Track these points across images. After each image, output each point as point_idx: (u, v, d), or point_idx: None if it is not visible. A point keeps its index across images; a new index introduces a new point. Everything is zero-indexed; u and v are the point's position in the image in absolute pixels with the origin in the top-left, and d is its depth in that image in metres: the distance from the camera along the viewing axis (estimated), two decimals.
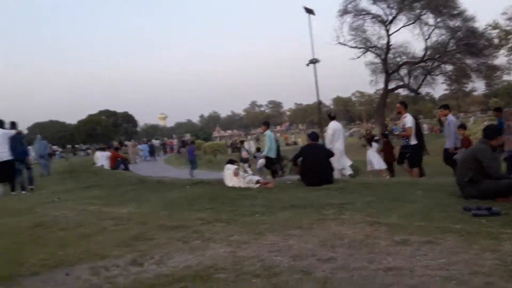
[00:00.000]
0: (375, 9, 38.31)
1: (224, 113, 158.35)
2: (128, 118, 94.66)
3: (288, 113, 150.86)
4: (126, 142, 30.94)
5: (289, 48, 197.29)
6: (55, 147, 38.55)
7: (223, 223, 4.45)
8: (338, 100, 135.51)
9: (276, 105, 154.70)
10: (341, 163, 9.93)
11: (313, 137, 8.07)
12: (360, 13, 39.02)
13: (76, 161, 26.61)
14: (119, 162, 17.54)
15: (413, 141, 8.52)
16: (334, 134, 9.97)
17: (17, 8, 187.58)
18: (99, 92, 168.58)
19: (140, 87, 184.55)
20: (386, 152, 12.08)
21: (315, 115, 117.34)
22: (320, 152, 7.53)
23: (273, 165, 11.68)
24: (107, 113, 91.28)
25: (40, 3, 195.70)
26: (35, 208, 6.80)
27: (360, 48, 40.33)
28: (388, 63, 39.04)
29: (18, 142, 10.20)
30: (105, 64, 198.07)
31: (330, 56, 59.76)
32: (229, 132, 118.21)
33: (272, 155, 11.39)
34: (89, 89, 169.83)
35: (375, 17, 38.68)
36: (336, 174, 8.86)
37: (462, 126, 10.21)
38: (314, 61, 26.86)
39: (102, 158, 19.40)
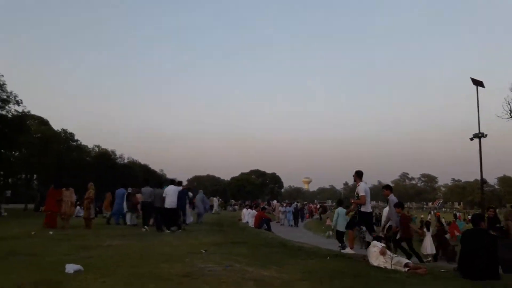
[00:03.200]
0: None
1: (370, 182, 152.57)
2: (275, 179, 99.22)
3: (443, 189, 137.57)
4: (273, 202, 31.71)
5: (449, 120, 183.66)
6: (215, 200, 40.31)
7: None
8: (505, 180, 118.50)
9: (430, 179, 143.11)
10: None
11: (476, 220, 7.05)
12: None
13: (225, 215, 28.58)
14: (263, 221, 18.23)
15: (365, 209, 9.06)
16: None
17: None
18: (253, 152, 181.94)
19: (289, 150, 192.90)
20: None
21: (476, 194, 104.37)
22: (485, 239, 6.45)
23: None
24: (257, 173, 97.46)
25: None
26: (185, 257, 7.37)
27: None
28: None
29: (183, 195, 14.52)
30: (257, 128, 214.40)
31: (498, 131, 53.45)
32: (373, 203, 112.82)
33: (340, 229, 12.82)
34: (244, 150, 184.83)
35: None
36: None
37: (399, 205, 10.02)
38: (479, 136, 24.28)
39: (248, 215, 20.51)
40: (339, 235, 12.76)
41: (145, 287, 4.71)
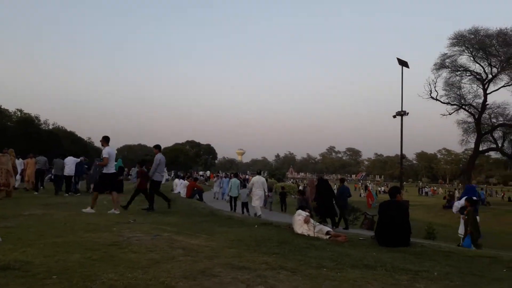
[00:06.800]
0: (474, 66, 36.52)
1: (299, 155, 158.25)
2: (209, 150, 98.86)
3: (366, 162, 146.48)
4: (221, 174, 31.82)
5: (375, 97, 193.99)
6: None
7: (288, 271, 4.34)
8: (422, 156, 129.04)
9: (354, 153, 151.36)
10: (256, 204, 14.83)
11: (393, 192, 7.66)
12: (458, 69, 37.34)
13: None
14: (195, 191, 18.28)
15: (107, 170, 9.92)
16: (254, 184, 15.03)
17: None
18: (187, 124, 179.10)
19: (223, 123, 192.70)
20: None
21: (396, 168, 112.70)
22: (398, 210, 7.10)
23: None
24: (192, 144, 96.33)
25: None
26: (112, 227, 7.24)
27: (453, 104, 38.51)
28: (482, 124, 36.57)
29: (80, 166, 17.03)
30: (194, 100, 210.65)
31: (419, 110, 57.85)
32: (302, 174, 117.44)
33: (232, 195, 16.73)
34: (180, 120, 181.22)
35: (474, 74, 36.72)
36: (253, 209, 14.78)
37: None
38: (402, 114, 26.04)
39: (180, 185, 20.39)
40: (232, 201, 16.48)
41: (69, 256, 4.57)
